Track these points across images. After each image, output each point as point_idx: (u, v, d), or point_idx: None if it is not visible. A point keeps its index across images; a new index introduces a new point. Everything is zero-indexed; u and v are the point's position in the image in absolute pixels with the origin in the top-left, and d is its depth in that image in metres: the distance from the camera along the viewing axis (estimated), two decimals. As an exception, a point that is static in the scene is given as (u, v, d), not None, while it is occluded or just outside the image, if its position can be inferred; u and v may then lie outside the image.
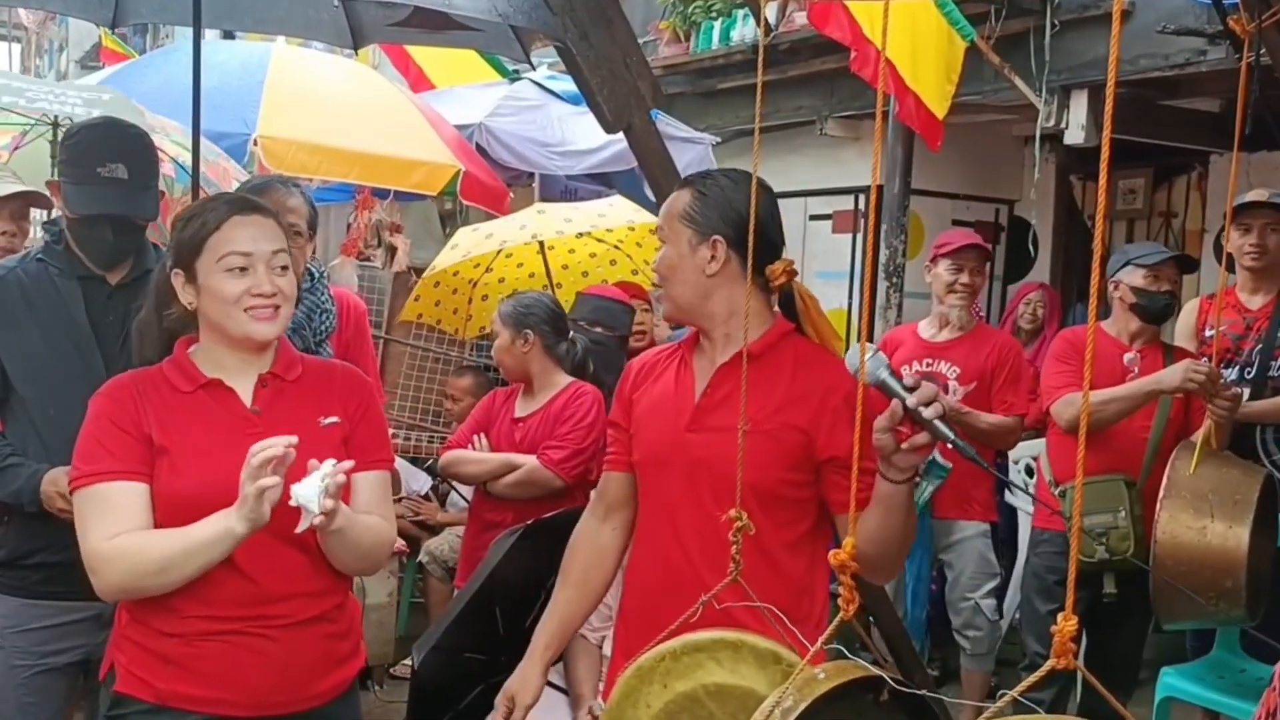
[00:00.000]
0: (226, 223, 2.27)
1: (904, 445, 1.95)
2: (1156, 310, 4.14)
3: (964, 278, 4.70)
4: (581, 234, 6.11)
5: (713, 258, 2.32)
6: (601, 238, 6.28)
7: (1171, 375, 3.84)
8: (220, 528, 2.12)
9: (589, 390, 4.07)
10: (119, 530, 2.17)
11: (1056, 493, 4.22)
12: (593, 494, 2.67)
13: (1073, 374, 4.13)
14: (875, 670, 1.87)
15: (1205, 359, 4.26)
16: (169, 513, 2.20)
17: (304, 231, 3.44)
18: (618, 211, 6.03)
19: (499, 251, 6.11)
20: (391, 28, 4.12)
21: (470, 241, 6.09)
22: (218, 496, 2.15)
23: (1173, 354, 4.20)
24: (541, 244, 6.08)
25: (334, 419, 2.35)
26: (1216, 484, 3.51)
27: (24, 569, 2.84)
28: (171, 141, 4.67)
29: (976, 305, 5.71)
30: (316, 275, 3.66)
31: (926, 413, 1.88)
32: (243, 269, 2.25)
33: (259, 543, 2.17)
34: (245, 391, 2.31)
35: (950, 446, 1.92)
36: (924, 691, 1.88)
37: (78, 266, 2.92)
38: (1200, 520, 3.45)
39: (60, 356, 2.83)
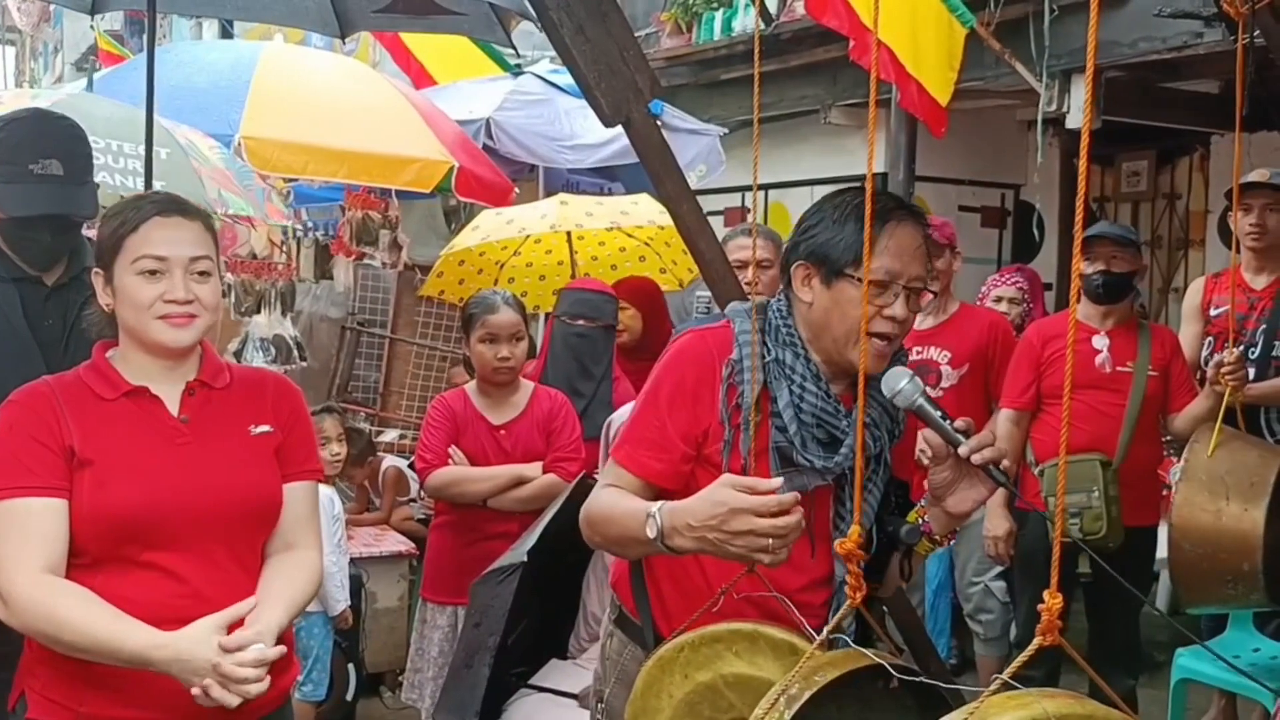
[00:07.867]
0: (146, 224, 2.14)
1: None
2: (1091, 291, 4.15)
3: None
4: (610, 228, 6.08)
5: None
6: (632, 233, 6.26)
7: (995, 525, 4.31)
8: (143, 653, 1.98)
9: (560, 395, 4.00)
10: (44, 560, 2.03)
11: (1036, 472, 4.23)
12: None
13: (1023, 380, 4.27)
14: (879, 658, 1.87)
15: (1209, 338, 4.29)
16: (91, 530, 2.07)
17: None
18: (642, 210, 5.93)
19: (527, 236, 6.09)
20: (377, 14, 4.13)
21: (491, 225, 6.05)
22: (146, 514, 2.08)
23: (1149, 333, 4.21)
24: (569, 233, 6.09)
25: (266, 428, 2.25)
26: (1233, 466, 3.46)
27: None
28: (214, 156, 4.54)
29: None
30: None
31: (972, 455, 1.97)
32: (154, 272, 2.12)
33: (191, 547, 2.11)
34: (172, 400, 2.19)
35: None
36: (934, 681, 1.87)
37: (11, 269, 2.78)
38: (1215, 502, 3.40)
39: (1, 364, 2.64)
